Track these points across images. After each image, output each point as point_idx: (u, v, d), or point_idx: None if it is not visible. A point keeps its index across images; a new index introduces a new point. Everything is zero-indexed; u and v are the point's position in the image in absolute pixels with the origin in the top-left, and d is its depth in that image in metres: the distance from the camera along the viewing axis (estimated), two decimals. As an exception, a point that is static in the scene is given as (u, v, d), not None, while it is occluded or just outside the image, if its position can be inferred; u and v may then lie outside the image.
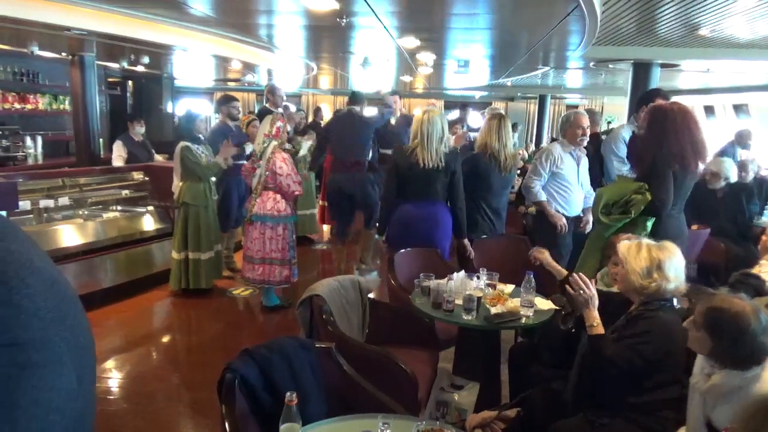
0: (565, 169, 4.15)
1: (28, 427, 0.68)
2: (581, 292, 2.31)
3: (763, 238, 2.67)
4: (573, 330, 2.59)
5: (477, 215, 4.28)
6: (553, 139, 5.47)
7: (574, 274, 2.36)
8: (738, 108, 11.22)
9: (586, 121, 4.12)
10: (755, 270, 2.97)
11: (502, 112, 5.17)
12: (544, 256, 3.09)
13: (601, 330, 2.23)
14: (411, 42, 6.23)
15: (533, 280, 2.89)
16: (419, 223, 3.86)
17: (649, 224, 3.34)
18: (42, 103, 8.41)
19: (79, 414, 0.81)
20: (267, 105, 6.14)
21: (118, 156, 6.70)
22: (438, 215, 3.91)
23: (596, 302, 2.30)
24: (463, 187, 4.01)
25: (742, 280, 2.34)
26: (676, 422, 2.06)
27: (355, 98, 5.80)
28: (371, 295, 3.40)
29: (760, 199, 5.44)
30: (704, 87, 10.93)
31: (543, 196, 4.17)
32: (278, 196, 4.63)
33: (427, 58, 7.43)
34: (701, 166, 3.35)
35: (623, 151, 4.49)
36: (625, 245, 2.32)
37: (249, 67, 8.85)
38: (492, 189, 4.29)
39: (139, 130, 6.89)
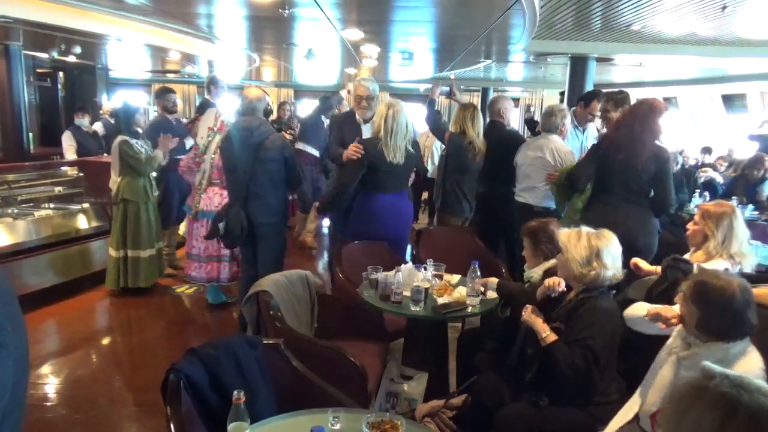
0: None
1: None
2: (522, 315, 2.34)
3: (689, 226, 2.80)
4: (510, 315, 2.66)
5: (462, 198, 4.46)
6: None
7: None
8: (668, 100, 11.79)
9: None
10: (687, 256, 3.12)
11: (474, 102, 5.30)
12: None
13: (552, 337, 2.22)
14: (355, 34, 6.21)
15: (478, 270, 2.95)
16: (391, 214, 3.80)
17: (580, 203, 3.60)
18: (-37, 95, 7.91)
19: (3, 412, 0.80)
20: (208, 97, 6.00)
21: (69, 146, 6.62)
22: (405, 207, 3.94)
23: (535, 315, 2.31)
24: (446, 169, 4.31)
25: (672, 264, 2.45)
26: (618, 402, 2.15)
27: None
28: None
29: (689, 188, 5.76)
30: (637, 81, 11.43)
31: None
32: (225, 192, 4.50)
33: (371, 50, 7.42)
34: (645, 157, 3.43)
35: None
36: (565, 234, 2.38)
37: (188, 58, 8.60)
38: (470, 173, 4.44)
39: (81, 122, 6.81)
